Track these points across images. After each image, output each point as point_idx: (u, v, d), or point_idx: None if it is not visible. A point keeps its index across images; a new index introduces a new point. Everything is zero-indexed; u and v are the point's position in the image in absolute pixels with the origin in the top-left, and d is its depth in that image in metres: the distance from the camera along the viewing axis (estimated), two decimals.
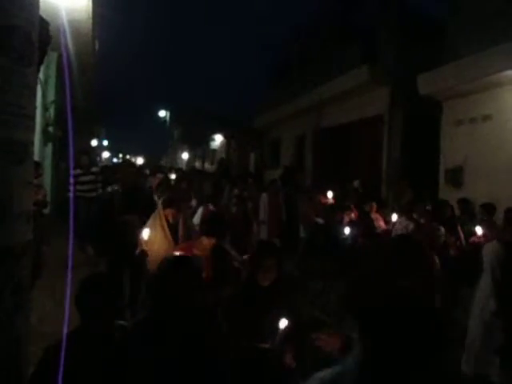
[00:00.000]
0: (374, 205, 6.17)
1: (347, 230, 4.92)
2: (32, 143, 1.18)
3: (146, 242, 3.57)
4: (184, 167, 24.33)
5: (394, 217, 5.66)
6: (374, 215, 6.02)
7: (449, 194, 7.16)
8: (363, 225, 5.29)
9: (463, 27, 7.08)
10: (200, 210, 5.58)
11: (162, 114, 36.24)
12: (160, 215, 3.77)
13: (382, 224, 5.91)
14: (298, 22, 14.59)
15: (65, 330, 1.76)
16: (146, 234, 3.55)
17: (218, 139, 24.84)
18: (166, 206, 3.88)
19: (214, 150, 26.75)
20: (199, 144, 28.69)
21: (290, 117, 13.88)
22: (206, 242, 3.20)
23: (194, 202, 6.43)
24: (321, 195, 7.01)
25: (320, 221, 5.90)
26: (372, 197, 6.83)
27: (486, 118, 6.76)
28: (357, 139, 10.87)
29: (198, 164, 30.45)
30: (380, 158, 9.71)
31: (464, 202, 6.02)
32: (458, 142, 7.35)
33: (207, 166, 27.58)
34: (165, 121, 37.05)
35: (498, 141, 6.49)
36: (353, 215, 5.76)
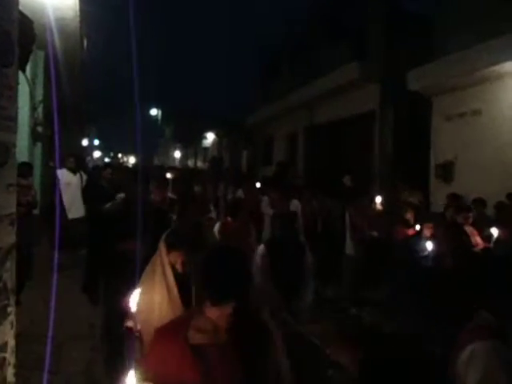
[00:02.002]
0: (470, 215, 4.70)
1: (430, 246, 3.90)
2: (14, 145, 1.15)
3: (139, 311, 1.94)
4: (177, 165, 24.26)
5: (495, 231, 4.32)
6: (469, 229, 4.52)
7: (439, 190, 7.22)
8: (455, 241, 3.99)
9: (451, 24, 7.12)
10: (218, 226, 4.28)
11: (154, 112, 36.07)
12: (163, 262, 2.16)
13: (478, 240, 4.56)
14: (288, 20, 14.58)
15: (50, 331, 1.74)
16: (136, 298, 1.94)
17: (210, 137, 24.79)
18: (171, 245, 2.19)
19: (206, 148, 26.70)
20: (191, 142, 28.61)
21: (282, 114, 13.88)
22: (214, 313, 1.49)
23: (213, 214, 5.45)
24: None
25: (375, 234, 4.88)
26: (363, 193, 6.83)
27: (476, 112, 6.81)
28: (348, 136, 10.90)
29: (190, 162, 30.39)
30: (371, 153, 9.75)
31: (454, 197, 6.05)
32: (447, 137, 7.40)
33: (199, 164, 27.53)
34: (156, 119, 36.87)
35: (487, 135, 6.54)
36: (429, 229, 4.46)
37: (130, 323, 2.02)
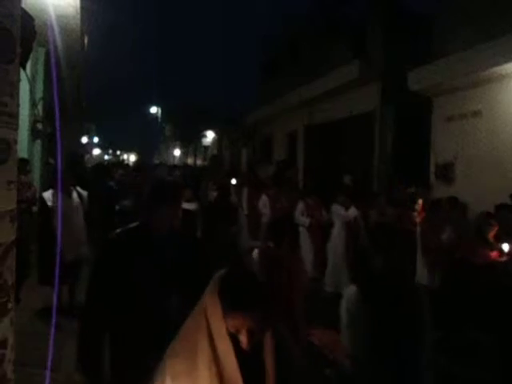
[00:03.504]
0: None
1: None
2: (15, 142, 1.15)
3: None
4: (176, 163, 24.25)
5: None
6: None
7: (440, 190, 7.23)
8: None
9: (452, 24, 7.12)
10: (256, 255, 2.98)
11: (154, 110, 36.07)
12: (212, 330, 1.14)
13: None
14: (288, 19, 14.57)
15: (53, 330, 1.74)
16: None
17: (210, 136, 24.79)
18: (234, 302, 1.15)
19: (206, 147, 26.70)
20: (191, 141, 28.62)
21: (282, 113, 13.87)
22: None
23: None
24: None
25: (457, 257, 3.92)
26: (363, 192, 6.84)
27: (476, 113, 6.81)
28: (348, 135, 10.90)
29: (190, 161, 30.39)
30: (371, 153, 9.75)
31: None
32: (448, 138, 7.40)
33: (199, 162, 27.55)
34: (156, 117, 36.86)
35: (487, 136, 6.54)
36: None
37: None
